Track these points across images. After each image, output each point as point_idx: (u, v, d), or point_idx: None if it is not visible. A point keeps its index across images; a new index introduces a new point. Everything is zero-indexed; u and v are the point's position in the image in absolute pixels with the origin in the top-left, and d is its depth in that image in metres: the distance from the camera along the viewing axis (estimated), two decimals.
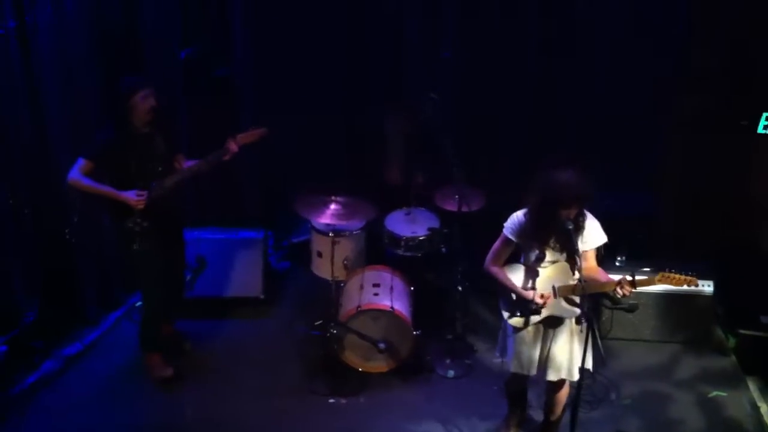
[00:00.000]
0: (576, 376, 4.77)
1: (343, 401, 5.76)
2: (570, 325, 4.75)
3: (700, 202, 6.72)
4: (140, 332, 5.94)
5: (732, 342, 6.40)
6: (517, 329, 4.79)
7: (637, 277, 4.50)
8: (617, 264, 6.30)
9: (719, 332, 6.58)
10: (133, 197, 5.31)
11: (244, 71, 7.19)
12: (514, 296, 4.72)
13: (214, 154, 5.57)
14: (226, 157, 5.57)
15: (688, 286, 4.54)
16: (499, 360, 5.20)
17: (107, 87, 6.30)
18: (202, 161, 5.60)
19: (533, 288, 4.67)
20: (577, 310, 4.63)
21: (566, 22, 6.95)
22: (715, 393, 5.90)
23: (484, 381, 5.92)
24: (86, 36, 6.14)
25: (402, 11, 7.12)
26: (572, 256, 4.52)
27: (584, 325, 4.59)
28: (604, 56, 6.96)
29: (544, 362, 4.83)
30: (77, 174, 5.26)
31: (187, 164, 5.68)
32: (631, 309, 6.24)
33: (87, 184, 5.29)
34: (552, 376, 4.85)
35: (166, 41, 6.76)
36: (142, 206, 5.35)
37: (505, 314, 4.79)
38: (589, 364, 4.68)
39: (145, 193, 5.35)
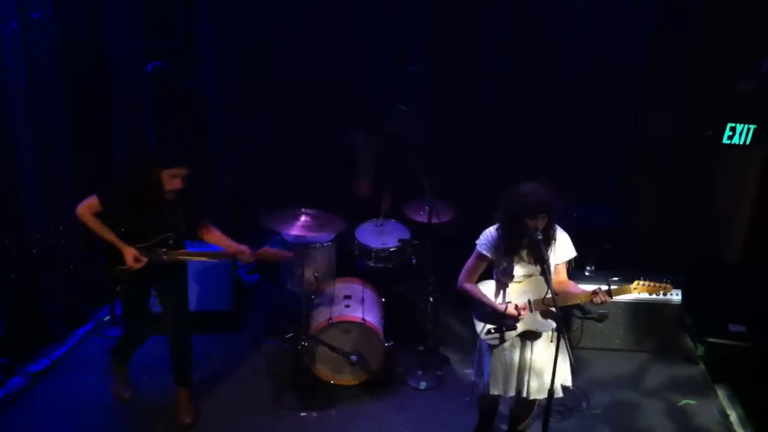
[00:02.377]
0: (560, 393, 4.75)
1: (315, 415, 5.72)
2: (546, 338, 4.74)
3: (667, 213, 6.80)
4: (114, 346, 5.80)
5: (700, 350, 6.46)
6: (492, 347, 4.77)
7: (613, 287, 4.54)
8: (586, 274, 6.35)
9: (688, 341, 6.65)
10: (132, 257, 5.06)
11: (213, 83, 7.18)
12: (490, 312, 4.70)
13: (229, 254, 5.35)
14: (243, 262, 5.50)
15: (663, 293, 4.60)
16: (472, 377, 5.14)
17: (73, 98, 6.29)
18: (214, 254, 5.48)
19: (508, 303, 4.67)
20: (553, 324, 4.63)
21: (532, 37, 7.03)
22: (684, 401, 5.94)
23: (455, 392, 5.93)
24: (51, 48, 6.08)
25: (368, 25, 7.16)
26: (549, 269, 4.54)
27: (554, 335, 4.61)
28: (570, 71, 7.04)
29: (524, 380, 4.77)
30: (86, 210, 5.01)
31: (211, 230, 5.40)
32: (600, 318, 6.25)
33: (93, 223, 5.03)
34: (533, 396, 4.79)
35: (131, 54, 6.72)
36: (136, 269, 5.10)
37: (481, 332, 4.76)
38: (568, 380, 4.76)
39: (144, 260, 5.09)
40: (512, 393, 4.80)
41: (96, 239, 5.21)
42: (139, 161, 5.19)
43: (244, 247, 5.27)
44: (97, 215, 5.05)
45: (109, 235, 5.08)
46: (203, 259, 5.50)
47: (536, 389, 4.76)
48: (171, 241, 5.19)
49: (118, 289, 5.28)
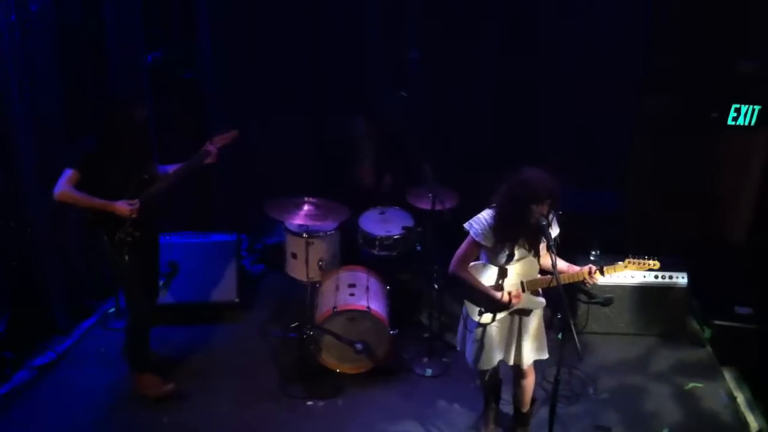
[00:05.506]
0: (546, 355, 4.88)
1: (321, 404, 5.72)
2: (537, 314, 4.82)
3: (671, 197, 6.76)
4: (129, 350, 5.73)
5: (707, 333, 6.44)
6: (482, 325, 4.79)
7: (605, 266, 4.58)
8: (591, 258, 6.32)
9: (694, 324, 6.63)
10: (125, 206, 5.13)
11: (213, 74, 7.15)
12: (484, 298, 4.70)
13: (195, 157, 5.44)
14: (209, 160, 5.45)
15: (652, 270, 4.62)
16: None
17: (71, 91, 6.27)
18: (184, 165, 5.46)
19: (502, 286, 4.70)
20: (543, 300, 4.73)
21: (530, 20, 6.99)
22: (691, 385, 5.93)
23: (461, 379, 5.91)
24: (50, 40, 6.06)
25: (366, 13, 7.13)
26: (540, 251, 4.63)
27: (557, 318, 4.61)
28: (570, 56, 7.00)
29: (515, 351, 4.85)
30: (66, 186, 5.00)
31: (163, 169, 5.54)
32: (606, 303, 6.27)
33: (78, 195, 5.03)
34: (524, 364, 4.87)
35: (130, 46, 6.69)
36: (136, 215, 5.18)
37: (473, 314, 4.79)
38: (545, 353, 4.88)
39: (136, 201, 5.18)
40: (497, 360, 4.88)
41: (87, 217, 5.27)
42: (117, 110, 5.20)
43: (207, 148, 5.45)
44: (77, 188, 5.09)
45: (97, 201, 5.11)
46: (181, 175, 5.50)
47: (527, 358, 4.86)
48: (146, 176, 5.30)
49: (126, 258, 5.29)
